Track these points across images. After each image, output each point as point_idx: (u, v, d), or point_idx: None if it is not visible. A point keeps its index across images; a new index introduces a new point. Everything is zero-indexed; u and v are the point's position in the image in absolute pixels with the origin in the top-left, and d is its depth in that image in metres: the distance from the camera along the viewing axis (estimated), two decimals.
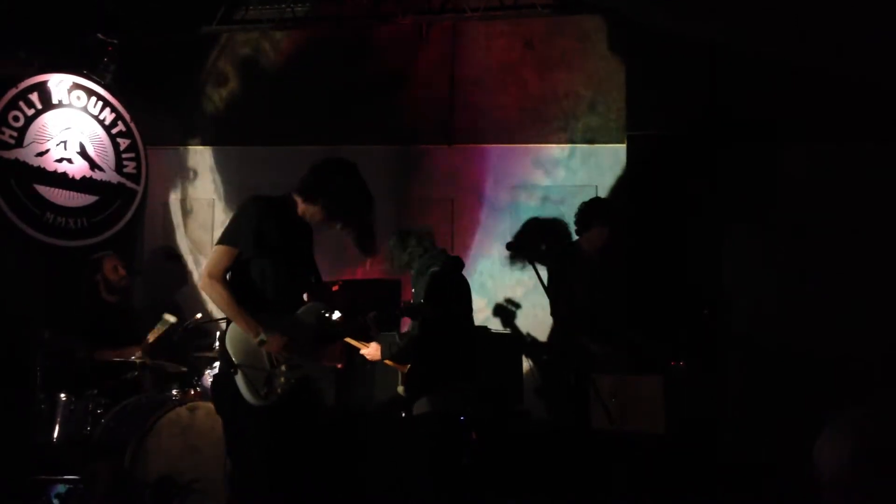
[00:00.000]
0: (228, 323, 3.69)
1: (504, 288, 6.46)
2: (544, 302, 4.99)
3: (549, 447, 5.11)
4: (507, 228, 6.50)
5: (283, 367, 3.61)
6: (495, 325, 6.29)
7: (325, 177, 3.75)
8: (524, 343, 6.20)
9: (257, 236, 3.60)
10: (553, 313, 5.11)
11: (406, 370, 4.77)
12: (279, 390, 3.59)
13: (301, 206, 3.77)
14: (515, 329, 6.33)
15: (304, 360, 3.71)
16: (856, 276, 5.68)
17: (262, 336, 3.55)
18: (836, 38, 5.26)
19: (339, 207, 3.74)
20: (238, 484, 3.79)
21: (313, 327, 3.79)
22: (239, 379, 3.55)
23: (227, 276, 3.63)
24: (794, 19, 5.20)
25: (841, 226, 5.79)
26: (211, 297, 3.68)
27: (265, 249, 3.62)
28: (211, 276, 3.57)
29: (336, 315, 3.94)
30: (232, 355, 3.57)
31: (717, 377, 5.55)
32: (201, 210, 7.12)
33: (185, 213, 7.13)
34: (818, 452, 1.71)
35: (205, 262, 3.69)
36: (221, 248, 3.61)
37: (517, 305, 6.35)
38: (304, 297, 3.92)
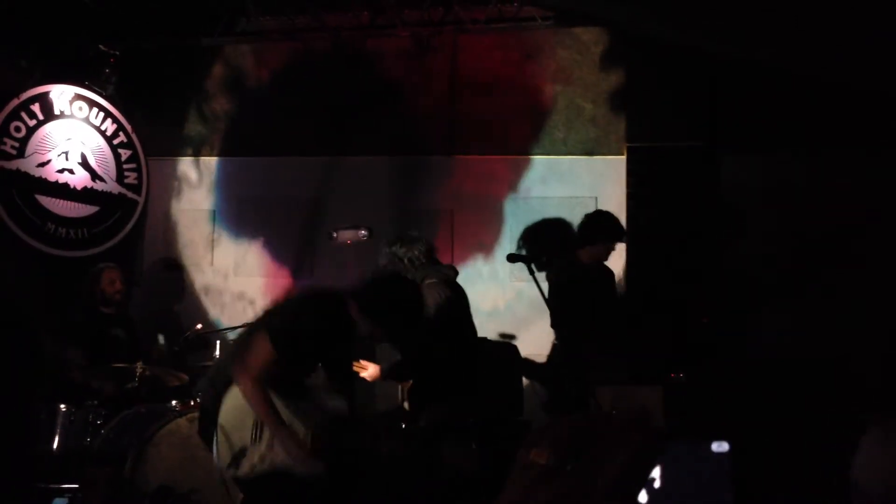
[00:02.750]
0: (226, 379, 3.63)
1: (504, 299, 6.47)
2: (545, 312, 5.00)
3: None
4: (507, 239, 6.51)
5: (262, 447, 3.47)
6: (494, 335, 6.29)
7: (388, 303, 3.69)
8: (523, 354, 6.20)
9: (303, 345, 3.52)
10: (553, 324, 5.11)
11: (408, 386, 4.77)
12: (245, 468, 3.49)
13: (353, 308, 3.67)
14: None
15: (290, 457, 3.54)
16: (856, 284, 5.69)
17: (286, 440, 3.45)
18: (835, 45, 5.28)
19: (394, 332, 3.79)
20: None
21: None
22: (218, 436, 3.50)
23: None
24: (793, 29, 5.22)
25: (841, 233, 5.80)
26: (246, 396, 3.50)
27: (307, 355, 3.60)
28: (253, 378, 3.44)
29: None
30: (222, 412, 3.53)
31: (716, 387, 5.55)
32: (202, 221, 7.12)
33: (186, 223, 7.14)
34: (861, 470, 1.50)
35: (246, 354, 3.51)
36: (266, 346, 3.46)
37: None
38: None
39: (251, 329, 3.73)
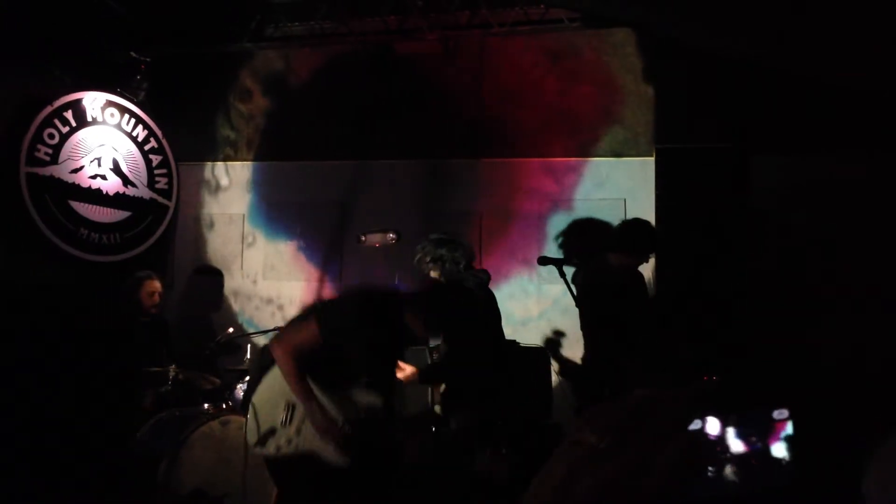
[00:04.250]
0: (269, 365, 3.69)
1: (534, 302, 6.46)
2: (574, 315, 4.98)
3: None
4: (536, 242, 6.50)
5: (290, 430, 3.55)
6: (524, 338, 6.27)
7: (447, 311, 3.75)
8: (554, 357, 6.18)
9: (346, 334, 3.53)
10: (583, 327, 5.09)
11: (441, 389, 4.77)
12: (272, 448, 3.56)
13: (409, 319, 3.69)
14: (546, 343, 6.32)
15: (318, 441, 3.60)
16: (891, 286, 5.63)
17: (315, 412, 3.51)
18: (867, 50, 5.24)
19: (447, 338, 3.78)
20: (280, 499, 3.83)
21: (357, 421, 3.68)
22: (249, 414, 3.57)
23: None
24: (822, 32, 5.18)
25: (873, 236, 5.74)
26: (279, 367, 3.60)
27: (351, 346, 3.58)
28: (288, 351, 3.51)
29: None
30: (256, 393, 3.61)
31: (750, 389, 5.51)
32: (232, 225, 7.18)
33: (216, 228, 7.20)
34: (873, 487, 1.40)
35: (287, 330, 3.62)
36: (311, 328, 3.52)
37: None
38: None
39: (302, 315, 3.77)
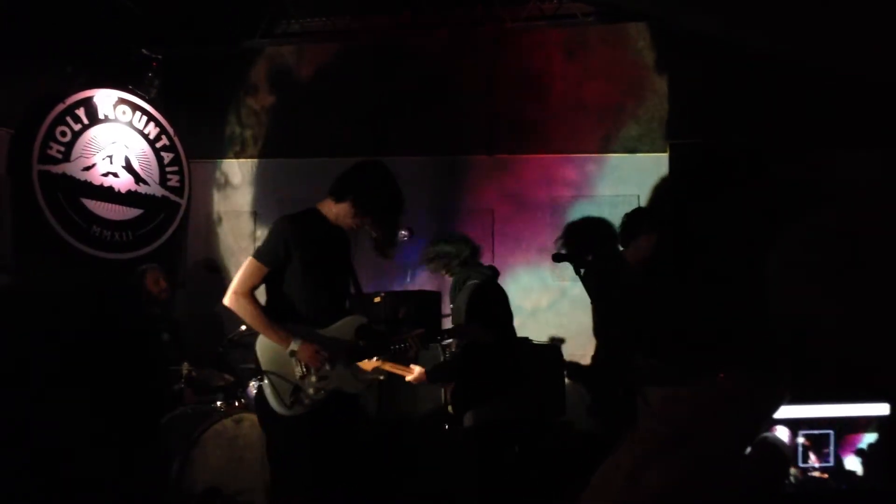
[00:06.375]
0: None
1: (546, 298, 6.43)
2: (588, 312, 4.96)
3: (592, 459, 5.05)
4: (549, 239, 6.45)
5: (312, 379, 3.58)
6: (536, 335, 6.24)
7: (354, 175, 3.76)
8: (566, 354, 6.14)
9: (286, 253, 3.59)
10: (597, 324, 5.06)
11: (450, 388, 4.74)
12: (306, 401, 3.57)
13: (333, 209, 3.75)
14: (558, 340, 6.28)
15: (337, 373, 3.67)
16: None
17: (293, 346, 3.55)
18: (884, 45, 5.18)
19: (367, 203, 3.69)
20: (276, 492, 3.78)
21: (349, 341, 3.75)
22: (266, 386, 3.55)
23: (255, 292, 3.64)
24: (840, 28, 5.14)
25: (891, 233, 5.68)
26: (238, 313, 3.64)
27: (295, 265, 3.61)
28: (236, 292, 3.59)
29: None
30: (261, 363, 3.59)
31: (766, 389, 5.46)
32: (243, 222, 7.18)
33: (228, 225, 7.20)
34: None
35: (234, 278, 3.67)
36: (251, 263, 3.63)
37: (561, 341, 6.30)
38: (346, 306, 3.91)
39: None
